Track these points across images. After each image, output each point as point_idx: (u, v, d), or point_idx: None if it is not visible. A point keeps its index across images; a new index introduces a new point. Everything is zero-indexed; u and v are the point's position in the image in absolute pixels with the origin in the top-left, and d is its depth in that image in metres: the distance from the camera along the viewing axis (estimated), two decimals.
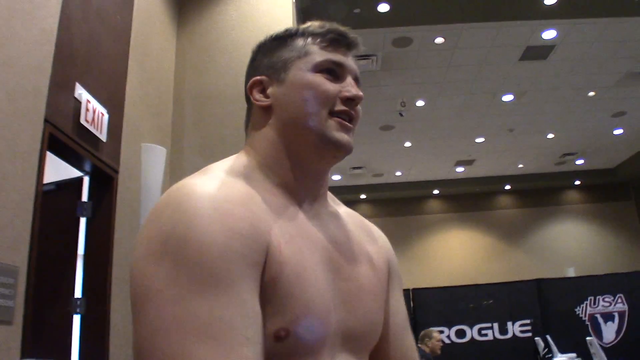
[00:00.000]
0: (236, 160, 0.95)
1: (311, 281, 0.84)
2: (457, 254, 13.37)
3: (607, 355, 6.06)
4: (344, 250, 0.97)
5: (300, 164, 0.95)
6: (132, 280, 0.75)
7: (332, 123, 0.94)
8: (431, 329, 6.41)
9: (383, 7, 6.23)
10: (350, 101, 0.96)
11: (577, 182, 13.52)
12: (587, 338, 6.58)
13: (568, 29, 6.99)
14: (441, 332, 7.87)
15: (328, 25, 1.00)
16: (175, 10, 4.84)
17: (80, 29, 3.21)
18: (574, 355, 7.37)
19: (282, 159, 0.95)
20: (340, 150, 0.95)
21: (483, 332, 8.97)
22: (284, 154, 0.95)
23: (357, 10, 6.16)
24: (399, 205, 13.70)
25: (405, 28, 6.79)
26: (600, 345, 7.06)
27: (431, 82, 8.34)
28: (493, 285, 9.46)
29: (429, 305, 9.19)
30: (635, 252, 12.92)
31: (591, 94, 8.99)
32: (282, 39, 1.00)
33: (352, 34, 1.01)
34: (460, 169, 12.64)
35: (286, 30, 1.02)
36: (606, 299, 8.89)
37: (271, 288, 0.77)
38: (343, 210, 1.09)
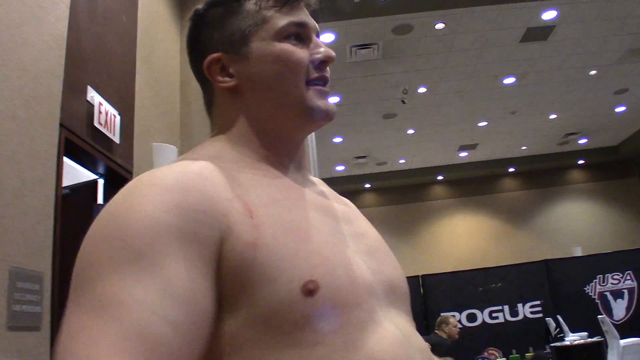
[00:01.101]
0: (205, 146, 0.89)
1: (312, 234, 0.78)
2: (464, 238, 13.39)
3: (618, 332, 6.07)
4: (343, 209, 0.94)
5: (279, 138, 0.90)
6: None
7: (311, 93, 0.88)
8: (446, 314, 6.43)
9: None
10: (323, 63, 0.90)
11: (581, 162, 13.51)
12: (599, 317, 6.60)
13: (568, 9, 6.98)
14: (452, 316, 7.91)
15: None
16: (178, 8, 4.84)
17: (89, 32, 3.21)
18: (585, 334, 7.40)
19: (259, 137, 0.89)
20: (326, 118, 0.90)
21: (494, 315, 9.00)
22: (261, 131, 0.89)
23: (357, 0, 6.15)
24: (403, 193, 13.71)
25: (405, 15, 6.78)
26: (612, 323, 7.09)
27: (432, 68, 8.33)
28: (501, 268, 9.48)
29: (439, 291, 9.21)
30: None
31: (592, 72, 8.97)
32: (227, 5, 0.90)
33: None
34: (463, 154, 12.64)
35: None
36: (615, 277, 8.90)
37: (253, 251, 0.69)
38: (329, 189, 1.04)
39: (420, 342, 0.84)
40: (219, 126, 0.91)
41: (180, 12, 4.87)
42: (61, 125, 2.81)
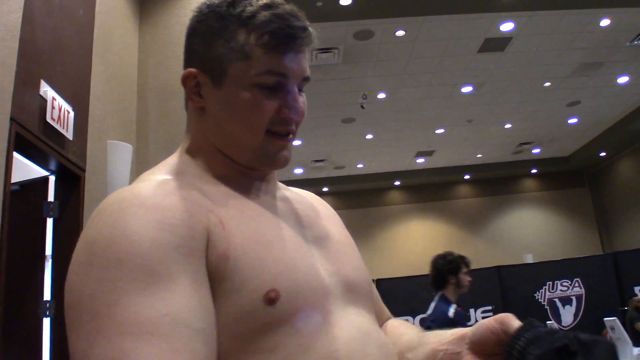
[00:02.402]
0: (169, 161, 0.90)
1: (275, 242, 0.81)
2: (419, 243, 13.53)
3: None
4: (308, 214, 0.97)
5: (238, 164, 0.91)
6: (65, 292, 0.69)
7: (268, 140, 0.88)
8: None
9: (345, 0, 6.24)
10: (290, 119, 0.88)
11: (534, 171, 13.84)
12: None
13: (525, 21, 7.14)
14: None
15: (276, 17, 0.84)
16: (137, 4, 4.75)
17: (44, 24, 3.12)
18: None
19: (219, 159, 0.90)
20: (276, 167, 0.92)
21: None
22: (220, 155, 0.90)
23: (319, 4, 6.15)
24: (360, 197, 13.79)
25: (367, 21, 6.82)
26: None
27: (392, 74, 8.40)
28: None
29: (393, 295, 9.24)
30: (590, 237, 13.32)
31: (547, 84, 9.20)
32: (222, 22, 0.86)
33: (305, 28, 0.86)
34: (420, 160, 12.79)
35: (228, 7, 0.86)
36: (564, 284, 9.10)
37: (224, 262, 0.73)
38: (295, 191, 1.08)
39: (380, 337, 0.87)
40: (189, 136, 0.93)
41: (139, 7, 4.78)
42: (12, 119, 2.72)
